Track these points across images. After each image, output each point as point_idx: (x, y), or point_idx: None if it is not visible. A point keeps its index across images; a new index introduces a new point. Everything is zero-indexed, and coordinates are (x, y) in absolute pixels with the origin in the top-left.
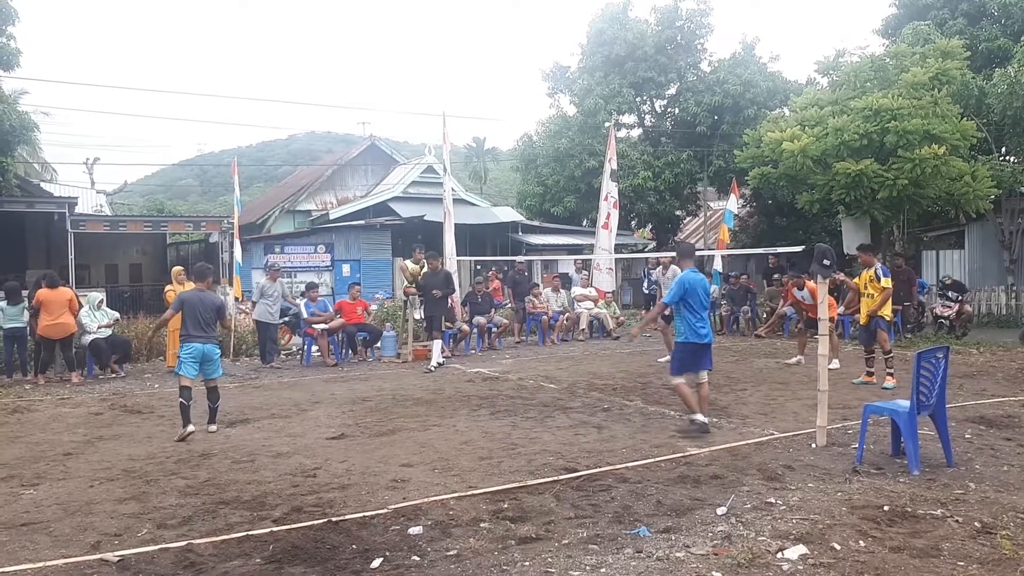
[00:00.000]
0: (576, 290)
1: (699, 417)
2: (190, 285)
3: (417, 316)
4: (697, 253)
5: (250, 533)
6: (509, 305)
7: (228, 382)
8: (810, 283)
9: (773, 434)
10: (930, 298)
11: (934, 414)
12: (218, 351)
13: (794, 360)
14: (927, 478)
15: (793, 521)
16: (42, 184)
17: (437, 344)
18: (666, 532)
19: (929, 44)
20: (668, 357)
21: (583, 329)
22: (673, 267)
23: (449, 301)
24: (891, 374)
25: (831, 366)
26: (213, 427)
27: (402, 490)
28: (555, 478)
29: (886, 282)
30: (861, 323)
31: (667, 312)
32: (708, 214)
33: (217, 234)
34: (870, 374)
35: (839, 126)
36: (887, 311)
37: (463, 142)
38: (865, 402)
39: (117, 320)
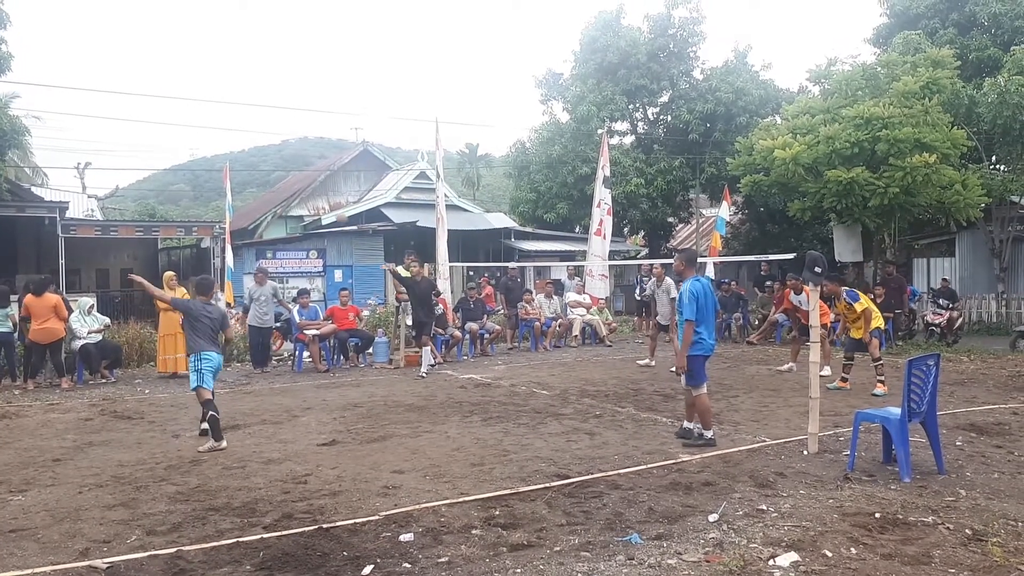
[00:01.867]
0: (570, 296)
1: (709, 434)
2: (181, 290)
3: (409, 322)
4: None
5: (240, 540)
6: (502, 311)
7: (219, 388)
8: (807, 289)
9: (765, 441)
10: (921, 305)
11: (925, 421)
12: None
13: (786, 367)
14: (918, 485)
15: (785, 528)
16: (33, 189)
17: (427, 350)
18: (658, 539)
19: (920, 53)
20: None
21: (576, 335)
22: (667, 279)
23: (441, 306)
24: (882, 381)
25: (822, 373)
26: (205, 425)
27: (393, 497)
28: (547, 485)
29: (859, 306)
30: (854, 337)
31: (663, 323)
32: (700, 221)
33: (209, 239)
34: (844, 380)
35: (830, 134)
36: (878, 322)
37: (456, 148)
38: (856, 409)
39: (107, 325)
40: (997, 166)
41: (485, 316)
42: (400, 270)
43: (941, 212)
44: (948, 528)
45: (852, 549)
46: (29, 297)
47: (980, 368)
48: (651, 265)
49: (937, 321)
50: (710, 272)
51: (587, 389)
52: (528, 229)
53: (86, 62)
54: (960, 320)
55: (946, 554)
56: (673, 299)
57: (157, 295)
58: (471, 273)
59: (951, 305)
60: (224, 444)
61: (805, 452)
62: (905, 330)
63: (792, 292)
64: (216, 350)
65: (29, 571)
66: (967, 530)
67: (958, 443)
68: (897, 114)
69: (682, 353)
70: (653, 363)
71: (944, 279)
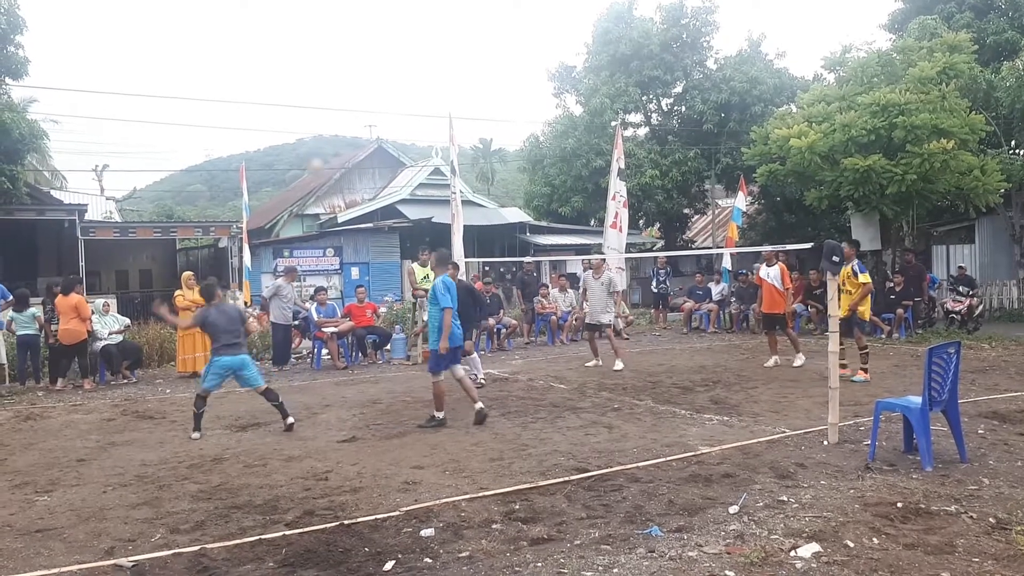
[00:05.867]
0: None
1: (440, 415)
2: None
3: (426, 318)
4: (705, 251)
5: (263, 537)
6: (520, 307)
7: (239, 386)
8: (782, 264)
9: (785, 432)
10: (941, 293)
11: (946, 410)
12: (248, 359)
13: (770, 362)
14: (940, 474)
15: (806, 519)
16: (52, 192)
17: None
18: (678, 531)
19: (936, 38)
20: (621, 365)
21: None
22: (606, 272)
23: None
24: (864, 369)
25: (796, 363)
26: (291, 419)
27: (414, 492)
28: (566, 478)
29: (864, 278)
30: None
31: (592, 321)
32: (716, 212)
33: (226, 239)
34: (843, 366)
35: (847, 122)
36: (865, 309)
37: (470, 143)
38: (877, 399)
39: (128, 326)
40: (1016, 151)
41: (501, 311)
42: (416, 267)
43: (960, 198)
44: (971, 517)
45: (874, 539)
46: (58, 297)
47: (1001, 355)
48: (588, 260)
49: (957, 308)
50: (727, 263)
51: (605, 382)
52: (543, 223)
53: (102, 65)
54: (980, 307)
55: (969, 543)
56: (611, 292)
57: (179, 323)
58: (487, 268)
59: (971, 292)
60: (196, 435)
61: (825, 442)
62: (925, 318)
63: (764, 265)
64: (231, 352)
65: (56, 570)
66: (990, 519)
67: (980, 431)
68: (914, 100)
69: (443, 339)
70: (601, 362)
71: (960, 266)
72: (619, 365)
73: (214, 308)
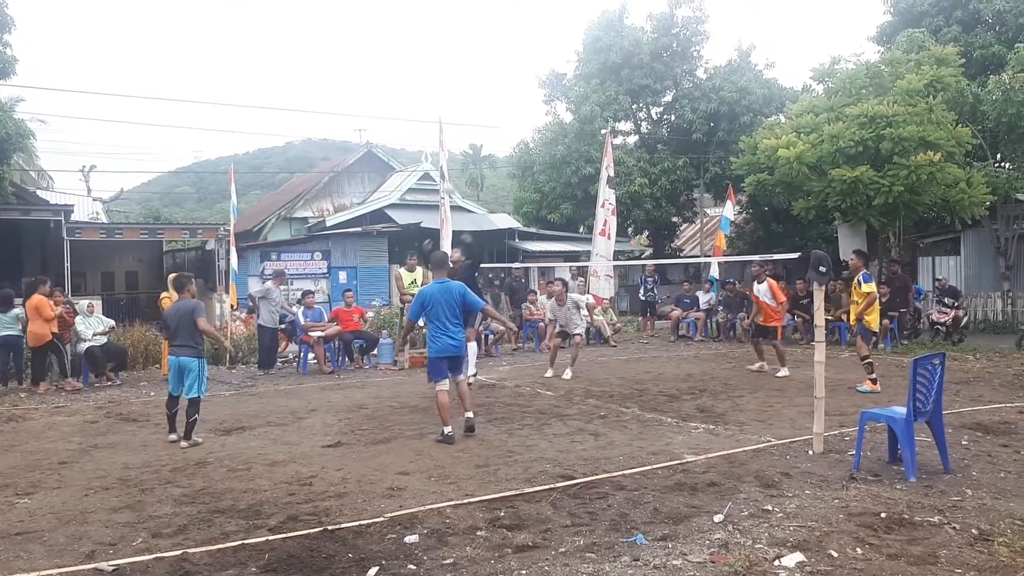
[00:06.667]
0: (573, 296)
1: (448, 429)
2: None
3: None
4: (693, 260)
5: (246, 542)
6: (508, 313)
7: (224, 390)
8: (771, 280)
9: (770, 441)
10: (926, 304)
11: (931, 421)
12: (192, 364)
13: (755, 366)
14: (924, 485)
15: (790, 528)
16: (38, 192)
17: None
18: (663, 540)
19: (924, 51)
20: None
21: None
22: (571, 296)
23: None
24: (873, 380)
25: (779, 374)
26: (184, 443)
27: (398, 498)
28: (552, 486)
29: (867, 287)
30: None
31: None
32: (704, 221)
33: (213, 241)
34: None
35: (835, 133)
36: (874, 319)
37: (460, 149)
38: (862, 409)
39: (113, 328)
40: (1002, 164)
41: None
42: (403, 272)
43: (946, 210)
44: (954, 528)
45: (858, 549)
46: (28, 301)
47: (986, 367)
48: (550, 286)
49: (942, 320)
50: (715, 272)
51: (592, 390)
52: (532, 230)
53: (91, 65)
54: (965, 319)
55: (952, 554)
56: (581, 308)
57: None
58: (475, 274)
59: (956, 304)
60: (172, 436)
61: (810, 452)
62: (910, 329)
63: (754, 282)
64: (175, 351)
65: (36, 574)
66: (973, 530)
67: (964, 442)
68: (901, 112)
69: (399, 343)
70: (571, 375)
71: (938, 278)
72: (567, 375)
73: (172, 306)
